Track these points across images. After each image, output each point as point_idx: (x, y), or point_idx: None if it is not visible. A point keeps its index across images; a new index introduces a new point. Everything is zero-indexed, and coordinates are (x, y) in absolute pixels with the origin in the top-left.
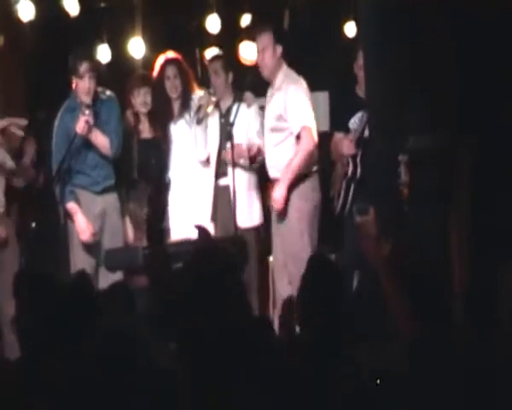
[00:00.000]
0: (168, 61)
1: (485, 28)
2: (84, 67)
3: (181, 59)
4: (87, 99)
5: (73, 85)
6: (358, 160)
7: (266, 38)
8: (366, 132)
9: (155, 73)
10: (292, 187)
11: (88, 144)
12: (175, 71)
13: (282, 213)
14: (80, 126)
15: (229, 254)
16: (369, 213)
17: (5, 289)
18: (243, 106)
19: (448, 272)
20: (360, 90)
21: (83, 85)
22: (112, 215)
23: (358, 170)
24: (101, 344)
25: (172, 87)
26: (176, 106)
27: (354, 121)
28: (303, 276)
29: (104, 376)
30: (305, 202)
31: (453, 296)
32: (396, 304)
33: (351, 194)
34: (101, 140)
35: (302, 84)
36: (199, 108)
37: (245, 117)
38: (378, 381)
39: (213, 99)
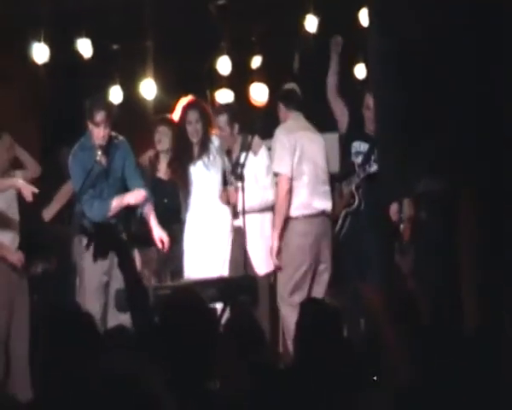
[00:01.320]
0: (190, 106)
1: (492, 73)
2: (100, 116)
3: (203, 103)
4: (102, 142)
5: (88, 127)
6: (361, 193)
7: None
8: (371, 168)
9: (177, 116)
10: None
11: (101, 181)
12: (196, 116)
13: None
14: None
15: (201, 299)
16: None
17: (25, 311)
18: (251, 153)
19: (456, 312)
20: (368, 130)
21: (98, 132)
22: None
23: (362, 204)
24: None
25: (194, 132)
26: (196, 149)
27: (358, 145)
28: (296, 323)
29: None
30: (284, 245)
31: (463, 338)
32: (396, 350)
33: (347, 224)
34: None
35: (288, 134)
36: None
37: (253, 162)
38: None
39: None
